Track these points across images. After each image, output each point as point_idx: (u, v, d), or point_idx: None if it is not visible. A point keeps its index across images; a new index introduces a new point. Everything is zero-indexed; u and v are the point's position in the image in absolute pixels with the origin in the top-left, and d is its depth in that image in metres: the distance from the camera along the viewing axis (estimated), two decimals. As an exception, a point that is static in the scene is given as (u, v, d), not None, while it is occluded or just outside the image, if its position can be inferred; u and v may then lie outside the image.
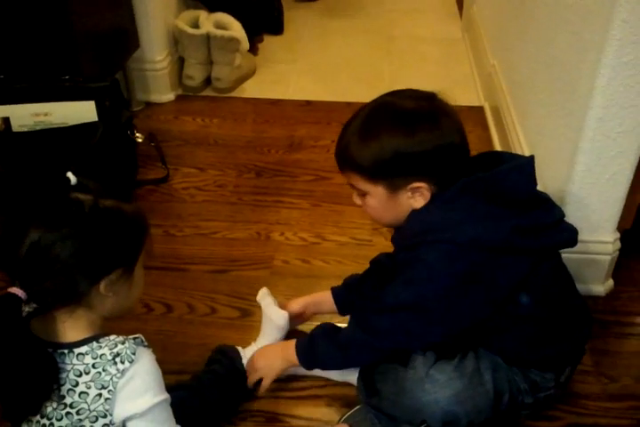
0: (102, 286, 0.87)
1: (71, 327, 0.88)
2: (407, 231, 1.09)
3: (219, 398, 1.19)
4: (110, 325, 1.38)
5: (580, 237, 1.43)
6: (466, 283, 1.02)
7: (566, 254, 1.44)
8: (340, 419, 1.20)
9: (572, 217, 1.41)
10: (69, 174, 0.88)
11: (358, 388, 1.20)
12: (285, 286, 1.52)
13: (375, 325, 1.08)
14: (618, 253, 1.48)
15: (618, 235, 1.46)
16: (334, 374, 1.26)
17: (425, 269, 1.03)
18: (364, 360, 1.15)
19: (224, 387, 1.21)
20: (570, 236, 1.13)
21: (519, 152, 1.76)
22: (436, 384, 1.06)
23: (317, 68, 2.60)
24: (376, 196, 1.08)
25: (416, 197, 1.06)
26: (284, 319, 1.26)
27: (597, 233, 1.44)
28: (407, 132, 1.02)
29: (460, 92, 2.40)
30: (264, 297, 1.31)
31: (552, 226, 1.09)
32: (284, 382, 1.27)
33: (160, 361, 1.28)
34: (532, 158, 1.10)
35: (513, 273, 1.04)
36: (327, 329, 1.17)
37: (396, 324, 1.06)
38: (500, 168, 1.05)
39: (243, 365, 1.25)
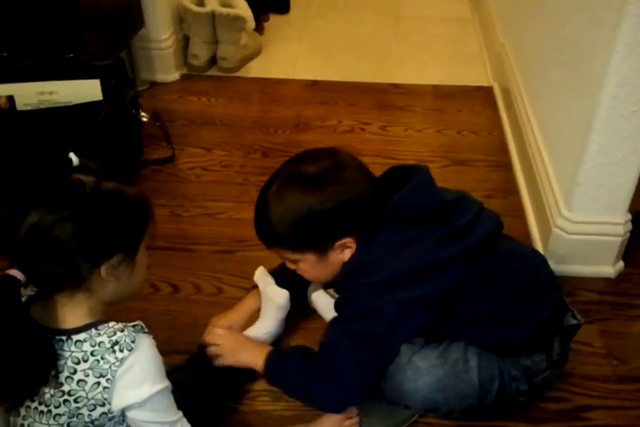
0: (103, 270, 0.86)
1: (71, 313, 0.86)
2: (340, 283, 1.12)
3: (216, 380, 1.18)
4: (116, 305, 1.39)
5: (591, 218, 1.43)
6: (405, 312, 1.04)
7: (576, 236, 1.44)
8: None
9: (583, 198, 1.41)
10: (72, 155, 0.86)
11: None
12: (292, 266, 1.50)
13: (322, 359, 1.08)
14: (629, 234, 1.46)
15: (629, 216, 1.44)
16: None
17: (363, 307, 1.05)
18: (322, 397, 1.11)
19: (219, 369, 1.18)
20: (491, 225, 1.11)
21: (529, 134, 1.74)
22: (418, 372, 1.06)
23: (324, 48, 2.57)
24: (307, 262, 1.10)
25: (345, 251, 1.08)
26: (284, 298, 1.24)
27: (608, 214, 1.42)
28: (316, 191, 1.04)
29: (468, 73, 2.39)
30: (262, 277, 1.29)
31: (474, 221, 1.09)
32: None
33: (166, 341, 1.30)
34: (425, 171, 1.10)
35: (445, 287, 1.05)
36: (298, 357, 1.13)
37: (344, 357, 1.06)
38: (397, 196, 1.05)
39: None
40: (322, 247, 1.07)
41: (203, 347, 1.21)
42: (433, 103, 2.19)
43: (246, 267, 1.50)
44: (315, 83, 2.31)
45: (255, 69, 2.40)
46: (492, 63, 2.39)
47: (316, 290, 1.29)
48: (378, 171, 1.93)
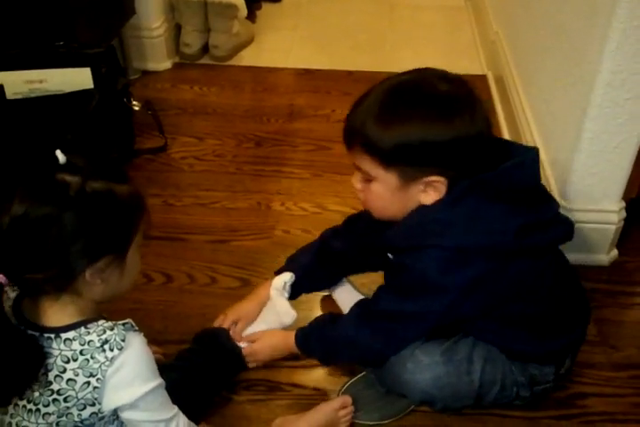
0: (88, 274, 0.82)
1: (58, 312, 0.84)
2: (406, 230, 1.00)
3: (208, 376, 1.16)
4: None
5: (586, 206, 1.43)
6: (468, 293, 0.98)
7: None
8: (342, 387, 1.19)
9: (578, 186, 1.40)
10: (58, 153, 0.81)
11: None
12: (286, 256, 1.48)
13: (374, 325, 1.05)
14: (623, 222, 1.46)
15: (623, 204, 1.44)
16: None
17: (425, 281, 0.98)
18: (345, 357, 1.14)
19: (210, 364, 1.17)
20: (566, 229, 1.06)
21: (523, 122, 1.74)
22: (419, 365, 1.05)
23: (317, 36, 2.55)
24: (385, 184, 0.97)
25: (429, 191, 0.97)
26: (291, 319, 1.21)
27: (603, 202, 1.42)
28: (443, 119, 0.93)
29: (462, 61, 2.38)
30: (282, 285, 1.24)
31: (553, 220, 1.03)
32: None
33: (160, 331, 1.29)
34: (536, 152, 1.03)
35: (515, 277, 1.00)
36: (324, 320, 1.14)
37: (386, 329, 1.04)
38: (504, 166, 0.97)
39: (228, 340, 1.21)
40: (411, 174, 0.95)
41: (197, 338, 1.21)
42: (427, 92, 2.18)
43: (240, 257, 1.50)
44: (307, 71, 2.29)
45: (247, 58, 2.38)
46: (486, 51, 2.37)
47: (342, 285, 1.28)
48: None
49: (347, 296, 1.28)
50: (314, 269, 1.26)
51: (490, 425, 1.13)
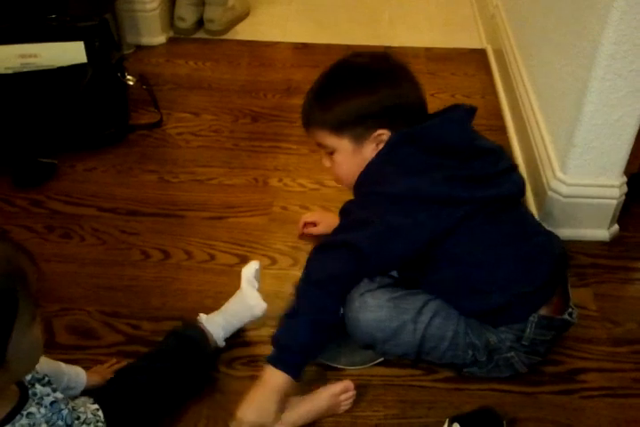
0: None
1: None
2: (356, 184, 1.13)
3: (177, 374, 1.09)
4: (107, 271, 1.37)
5: (587, 180, 1.41)
6: (396, 229, 1.05)
7: (571, 199, 1.43)
8: None
9: (578, 160, 1.39)
10: None
11: None
12: (284, 232, 1.49)
13: (312, 259, 1.10)
14: (624, 197, 1.44)
15: (625, 179, 1.43)
16: None
17: (358, 217, 1.08)
18: (306, 301, 1.06)
19: (179, 360, 1.10)
20: (510, 187, 1.12)
21: (523, 96, 1.71)
22: (363, 306, 1.07)
23: (314, 10, 2.51)
24: (343, 150, 1.13)
25: (380, 147, 1.11)
26: (261, 311, 1.17)
27: (604, 177, 1.40)
28: (368, 92, 1.10)
29: (462, 35, 2.35)
30: (252, 272, 1.21)
31: (497, 176, 1.10)
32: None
33: (158, 308, 1.29)
34: (469, 110, 1.14)
35: (439, 224, 1.06)
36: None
37: (328, 259, 1.07)
38: (434, 119, 1.10)
39: (198, 331, 1.15)
40: (360, 134, 1.11)
41: (172, 336, 1.15)
42: (426, 66, 2.15)
43: (238, 233, 1.49)
44: (305, 46, 2.26)
45: (243, 32, 2.35)
46: (486, 25, 2.34)
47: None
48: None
49: None
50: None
51: (489, 400, 1.13)
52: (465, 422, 1.03)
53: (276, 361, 1.04)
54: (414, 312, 1.09)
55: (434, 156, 1.07)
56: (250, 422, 1.02)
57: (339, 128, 1.11)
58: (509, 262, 1.09)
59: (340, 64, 1.16)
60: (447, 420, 1.05)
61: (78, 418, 0.87)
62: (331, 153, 1.15)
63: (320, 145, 1.16)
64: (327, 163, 1.18)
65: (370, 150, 1.11)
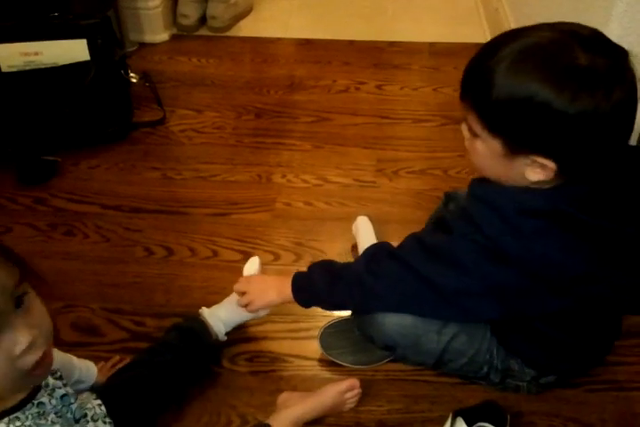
0: None
1: None
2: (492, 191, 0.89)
3: (179, 366, 1.10)
4: (110, 268, 1.37)
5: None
6: (492, 291, 0.92)
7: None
8: (325, 325, 1.21)
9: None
10: None
11: None
12: (288, 228, 1.49)
13: (384, 269, 0.99)
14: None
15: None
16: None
17: (457, 258, 0.92)
18: (345, 296, 1.04)
19: (180, 352, 1.11)
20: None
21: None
22: None
23: (316, 5, 2.50)
24: (489, 147, 0.86)
25: (537, 171, 0.84)
26: (265, 310, 1.18)
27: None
28: (572, 87, 0.77)
29: (465, 29, 2.34)
30: (254, 268, 1.22)
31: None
32: (289, 323, 1.26)
33: (162, 304, 1.29)
34: None
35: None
36: (325, 262, 1.10)
37: (394, 279, 0.98)
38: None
39: (199, 323, 1.15)
40: (516, 147, 0.83)
41: (174, 330, 1.16)
42: (429, 61, 2.15)
43: (241, 230, 1.49)
44: (308, 41, 2.26)
45: (246, 28, 2.34)
46: (489, 19, 2.33)
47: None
48: (373, 131, 1.90)
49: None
50: None
51: (493, 394, 1.13)
52: (469, 417, 1.03)
53: (298, 291, 1.08)
54: (440, 324, 1.05)
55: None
56: (250, 291, 1.12)
57: (496, 124, 0.84)
58: (593, 340, 1.08)
59: (550, 43, 0.79)
60: (451, 414, 1.05)
61: (85, 416, 0.88)
62: (475, 134, 0.87)
63: (465, 120, 0.89)
64: (466, 133, 0.90)
65: (523, 165, 0.84)
